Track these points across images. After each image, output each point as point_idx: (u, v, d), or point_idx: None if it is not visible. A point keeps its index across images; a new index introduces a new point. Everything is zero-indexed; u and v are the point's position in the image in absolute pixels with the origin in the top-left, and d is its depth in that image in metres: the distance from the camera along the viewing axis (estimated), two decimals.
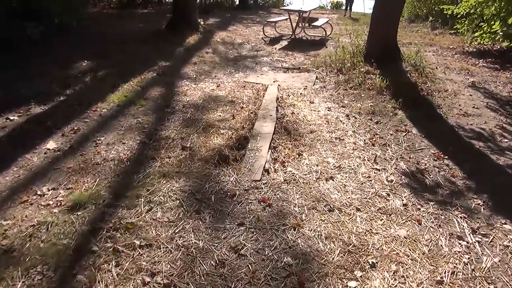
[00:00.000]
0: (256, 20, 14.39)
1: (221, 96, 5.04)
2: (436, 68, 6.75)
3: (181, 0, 9.34)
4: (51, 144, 3.53)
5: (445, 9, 9.08)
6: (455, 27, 9.30)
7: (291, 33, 10.07)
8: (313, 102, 4.97)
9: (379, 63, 6.11)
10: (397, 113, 4.67)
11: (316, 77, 6.12)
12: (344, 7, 18.77)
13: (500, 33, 7.05)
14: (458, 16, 8.73)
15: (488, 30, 7.89)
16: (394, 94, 5.16)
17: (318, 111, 4.68)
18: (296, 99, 5.05)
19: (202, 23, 10.02)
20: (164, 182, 2.94)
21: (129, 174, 3.05)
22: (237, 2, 20.27)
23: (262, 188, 2.91)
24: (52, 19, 8.27)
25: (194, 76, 6.02)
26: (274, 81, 5.87)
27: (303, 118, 4.38)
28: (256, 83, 5.73)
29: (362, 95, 5.28)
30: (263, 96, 5.06)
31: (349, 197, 2.88)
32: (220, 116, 4.36)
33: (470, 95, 5.47)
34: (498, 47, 8.68)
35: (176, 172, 3.09)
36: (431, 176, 3.26)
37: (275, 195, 2.85)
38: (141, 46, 7.75)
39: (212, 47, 8.27)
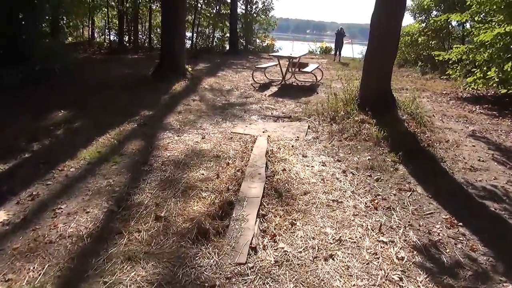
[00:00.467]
0: (246, 65, 14.35)
1: (205, 150, 4.60)
2: (433, 115, 6.46)
3: (168, 46, 9.15)
4: (0, 216, 3.00)
5: (435, 55, 8.99)
6: (447, 72, 9.19)
7: (281, 78, 9.87)
8: (306, 156, 4.54)
9: (374, 112, 5.78)
10: (398, 168, 4.25)
11: (308, 126, 5.75)
12: (333, 52, 19.02)
13: (496, 79, 6.85)
14: (450, 62, 8.62)
15: (481, 75, 7.74)
16: (393, 146, 4.78)
17: (312, 166, 4.24)
18: (288, 152, 4.62)
19: (190, 69, 9.79)
20: (128, 268, 2.40)
21: (86, 257, 2.50)
22: (227, 47, 20.48)
23: (248, 275, 2.39)
24: (33, 64, 7.96)
25: (178, 126, 5.61)
26: (263, 132, 5.48)
27: (295, 176, 3.92)
28: (244, 134, 5.33)
29: (358, 147, 4.89)
30: (252, 149, 4.63)
31: (354, 285, 2.36)
32: (203, 175, 3.89)
33: (473, 145, 5.11)
34: (493, 92, 8.52)
35: (145, 252, 2.56)
36: (447, 251, 2.77)
37: (264, 284, 2.32)
38: (124, 94, 7.41)
39: (200, 94, 7.96)
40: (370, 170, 4.18)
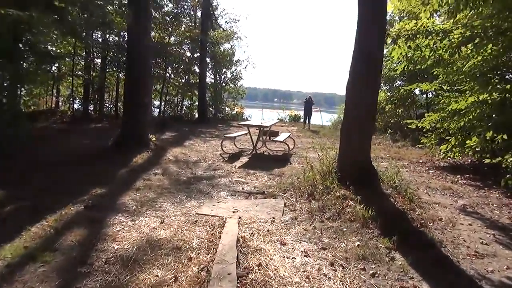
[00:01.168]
0: (215, 133, 13.94)
1: (163, 240, 3.78)
2: (418, 188, 6.00)
3: (130, 115, 8.57)
4: None
5: (408, 123, 8.85)
6: (422, 141, 9.01)
7: (251, 148, 9.37)
8: (285, 243, 3.81)
9: (355, 185, 5.23)
10: (394, 257, 3.58)
11: (285, 204, 5.09)
12: (302, 120, 19.11)
13: (477, 149, 6.59)
14: (424, 130, 8.47)
15: (456, 144, 7.54)
16: (383, 228, 4.16)
17: (293, 258, 3.50)
18: (263, 239, 3.88)
19: (154, 139, 9.14)
20: None
21: None
22: (196, 116, 20.22)
23: None
24: None
25: (134, 207, 4.79)
26: (233, 211, 4.75)
27: (274, 274, 3.15)
28: (212, 216, 4.57)
29: (344, 229, 4.23)
30: (220, 237, 3.87)
31: None
32: (157, 276, 3.05)
33: (469, 224, 4.58)
34: (469, 160, 8.31)
35: None
36: None
37: None
38: (77, 169, 6.58)
39: (163, 166, 7.23)
40: (362, 261, 3.48)
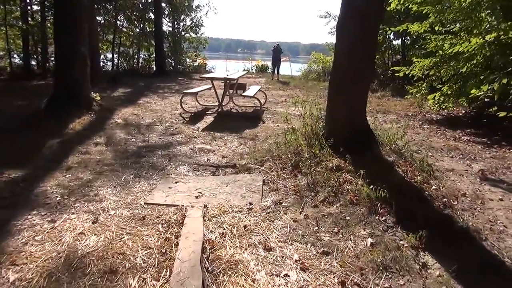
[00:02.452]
0: (175, 88, 12.40)
1: (92, 256, 2.54)
2: (419, 150, 4.99)
3: (65, 70, 6.89)
4: None
5: (396, 71, 7.74)
6: (410, 90, 7.98)
7: (217, 105, 8.03)
8: (270, 249, 2.68)
9: (351, 152, 4.11)
10: (426, 264, 2.54)
11: (263, 181, 3.93)
12: (271, 71, 17.67)
13: (486, 99, 5.59)
14: (414, 79, 7.41)
15: (451, 92, 6.55)
16: (399, 214, 3.10)
17: (286, 275, 2.39)
18: (239, 242, 2.74)
19: (98, 98, 7.56)
20: None
21: None
22: (155, 69, 18.26)
23: None
24: None
25: (58, 198, 3.47)
26: (197, 196, 3.56)
27: None
28: (167, 206, 3.35)
29: (347, 217, 3.15)
30: (177, 244, 2.67)
31: None
32: None
33: (500, 199, 3.63)
34: (463, 111, 7.42)
35: None
36: None
37: None
38: None
39: (107, 133, 5.82)
40: (384, 273, 2.42)
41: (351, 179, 3.73)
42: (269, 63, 18.39)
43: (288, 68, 19.08)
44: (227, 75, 8.38)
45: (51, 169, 4.20)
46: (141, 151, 5.00)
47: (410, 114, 7.65)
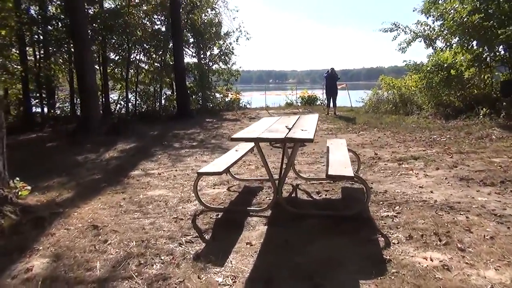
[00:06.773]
0: (198, 138, 8.65)
1: None
2: None
3: None
4: None
5: None
6: None
7: (266, 178, 4.02)
8: None
9: None
10: None
11: None
12: (324, 102, 13.59)
13: None
14: None
15: None
16: None
17: None
18: None
19: (25, 193, 3.75)
20: None
21: None
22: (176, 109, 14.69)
23: None
24: None
25: None
26: None
27: None
28: None
29: None
30: None
31: None
32: None
33: None
34: None
35: None
36: None
37: None
38: None
39: None
40: None
41: None
42: (317, 93, 14.34)
43: (344, 98, 14.66)
44: (286, 126, 4.21)
45: None
46: None
47: None
